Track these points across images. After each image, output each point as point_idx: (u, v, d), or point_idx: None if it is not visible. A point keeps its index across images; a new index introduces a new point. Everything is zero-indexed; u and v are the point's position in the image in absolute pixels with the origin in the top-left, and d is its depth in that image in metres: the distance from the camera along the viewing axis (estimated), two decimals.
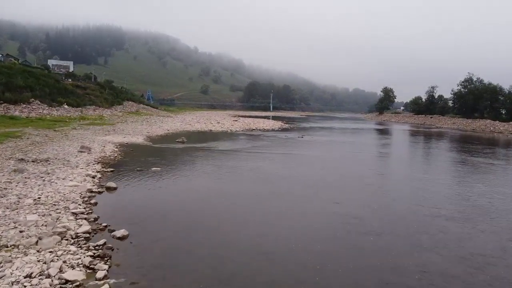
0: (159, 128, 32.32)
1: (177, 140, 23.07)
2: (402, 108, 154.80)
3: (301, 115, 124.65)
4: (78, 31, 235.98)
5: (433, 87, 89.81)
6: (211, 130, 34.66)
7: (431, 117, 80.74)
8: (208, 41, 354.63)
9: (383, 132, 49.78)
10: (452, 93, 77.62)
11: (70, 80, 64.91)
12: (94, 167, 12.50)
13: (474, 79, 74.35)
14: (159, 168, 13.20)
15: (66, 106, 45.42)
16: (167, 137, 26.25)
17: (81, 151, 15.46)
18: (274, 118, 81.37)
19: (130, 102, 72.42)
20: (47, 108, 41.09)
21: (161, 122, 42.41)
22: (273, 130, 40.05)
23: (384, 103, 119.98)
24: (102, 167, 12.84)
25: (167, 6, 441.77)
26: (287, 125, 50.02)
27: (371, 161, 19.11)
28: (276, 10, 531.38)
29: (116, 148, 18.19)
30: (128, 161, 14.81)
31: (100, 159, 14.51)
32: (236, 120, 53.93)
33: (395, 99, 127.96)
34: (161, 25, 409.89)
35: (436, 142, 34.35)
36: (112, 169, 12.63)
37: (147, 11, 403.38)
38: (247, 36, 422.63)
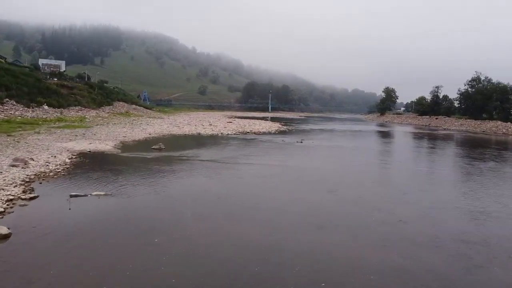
0: (141, 132, 28.75)
1: (153, 147, 19.50)
2: (402, 109, 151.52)
3: (300, 116, 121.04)
4: (75, 31, 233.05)
5: (437, 87, 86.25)
6: (199, 134, 31.08)
7: (436, 118, 77.15)
8: (206, 41, 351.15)
9: (389, 135, 46.26)
10: (459, 93, 74.10)
11: (56, 79, 61.37)
12: (9, 193, 8.90)
13: (482, 78, 70.80)
14: (102, 192, 9.58)
15: (45, 107, 42.07)
16: (145, 142, 22.68)
17: (13, 165, 11.89)
18: (272, 119, 77.90)
19: (121, 102, 69.13)
20: (21, 108, 37.65)
21: (148, 124, 38.84)
22: (269, 133, 36.49)
23: (386, 103, 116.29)
24: (24, 191, 9.25)
25: (166, 6, 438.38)
26: (285, 127, 46.45)
27: (387, 179, 15.32)
28: (275, 10, 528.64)
29: (69, 159, 14.60)
30: (70, 179, 11.23)
31: (33, 177, 10.94)
32: (230, 122, 50.41)
33: (397, 100, 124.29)
34: (159, 25, 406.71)
35: (450, 147, 30.79)
36: (34, 195, 9.02)
37: (145, 11, 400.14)
38: (246, 37, 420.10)
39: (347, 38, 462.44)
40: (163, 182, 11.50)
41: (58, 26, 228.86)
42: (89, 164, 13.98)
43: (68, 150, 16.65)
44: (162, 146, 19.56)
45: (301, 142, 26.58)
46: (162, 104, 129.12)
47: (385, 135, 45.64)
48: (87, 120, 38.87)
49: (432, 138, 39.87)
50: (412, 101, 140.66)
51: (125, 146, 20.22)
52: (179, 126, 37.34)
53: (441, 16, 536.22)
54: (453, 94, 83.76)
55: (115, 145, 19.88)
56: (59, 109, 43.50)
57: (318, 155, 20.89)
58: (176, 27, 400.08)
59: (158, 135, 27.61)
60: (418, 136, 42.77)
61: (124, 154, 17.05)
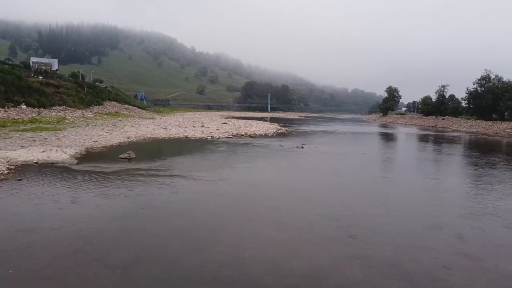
0: (119, 135, 25.18)
1: (120, 156, 15.94)
2: (404, 109, 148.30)
3: (299, 116, 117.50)
4: (72, 30, 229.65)
5: (443, 86, 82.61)
6: (187, 137, 27.53)
7: (443, 119, 73.51)
8: (205, 41, 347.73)
9: (398, 138, 42.65)
10: (467, 92, 70.31)
11: (41, 77, 57.83)
12: None
13: (492, 76, 66.96)
14: None
15: (23, 107, 38.68)
16: (118, 148, 19.11)
17: None
18: (271, 119, 74.56)
19: (112, 102, 65.83)
20: None
21: (133, 125, 35.25)
22: (266, 135, 32.97)
23: (389, 103, 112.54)
24: None
25: (164, 5, 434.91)
26: (284, 128, 42.90)
27: (432, 211, 10.38)
28: (276, 10, 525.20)
29: None
30: None
31: None
32: (225, 123, 46.88)
33: (400, 99, 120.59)
34: (157, 24, 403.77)
35: (474, 153, 27.15)
36: None
37: (143, 10, 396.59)
38: (246, 37, 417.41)
39: (347, 38, 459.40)
40: (91, 222, 7.90)
41: (55, 25, 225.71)
42: (15, 185, 10.43)
43: (7, 161, 13.16)
44: (132, 155, 16.02)
45: (302, 147, 22.99)
46: (160, 104, 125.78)
47: (394, 138, 42.04)
48: (66, 121, 35.33)
49: (446, 141, 36.32)
50: (414, 101, 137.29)
51: (88, 154, 16.65)
52: (166, 128, 33.78)
53: (442, 17, 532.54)
54: (457, 94, 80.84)
55: (75, 153, 16.32)
56: (39, 109, 40.08)
57: (323, 167, 17.24)
58: (175, 26, 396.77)
59: (137, 139, 24.08)
60: (429, 139, 39.19)
61: (78, 167, 13.49)
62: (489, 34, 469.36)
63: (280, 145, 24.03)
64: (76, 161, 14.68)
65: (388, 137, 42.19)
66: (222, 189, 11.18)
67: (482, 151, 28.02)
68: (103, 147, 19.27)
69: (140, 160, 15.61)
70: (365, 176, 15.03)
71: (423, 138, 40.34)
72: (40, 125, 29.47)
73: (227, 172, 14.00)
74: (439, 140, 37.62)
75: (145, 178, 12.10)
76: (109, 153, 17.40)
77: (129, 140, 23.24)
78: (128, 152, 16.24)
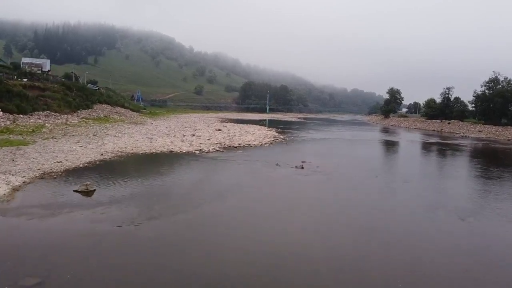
0: (93, 150, 22.00)
1: (76, 189, 12.80)
2: (404, 110, 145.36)
3: (298, 118, 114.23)
4: (68, 29, 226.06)
5: (448, 88, 79.32)
6: (171, 151, 24.33)
7: (448, 123, 70.21)
8: (204, 40, 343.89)
9: (407, 149, 39.42)
10: (475, 95, 67.01)
11: (26, 80, 54.71)
12: None
13: (501, 79, 63.75)
14: None
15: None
16: (83, 172, 15.95)
17: None
18: (269, 122, 71.54)
19: (104, 105, 62.65)
20: None
21: (115, 135, 31.99)
22: (261, 146, 29.95)
23: (391, 105, 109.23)
24: None
25: (164, 5, 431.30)
26: (282, 136, 39.68)
27: None
28: (275, 9, 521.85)
29: None
30: None
31: None
32: (219, 129, 43.69)
33: (402, 101, 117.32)
34: (155, 24, 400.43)
35: (503, 171, 24.00)
36: None
37: (143, 10, 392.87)
38: (245, 36, 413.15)
39: (347, 38, 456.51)
40: None
41: (52, 24, 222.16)
42: None
43: None
44: (91, 187, 12.87)
45: (302, 167, 19.84)
46: (157, 105, 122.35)
47: (403, 149, 38.63)
48: (43, 130, 32.17)
49: (459, 152, 33.26)
50: (415, 102, 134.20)
51: (38, 184, 13.49)
52: (152, 139, 30.55)
53: (442, 17, 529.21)
54: (457, 95, 78.21)
55: (22, 183, 13.14)
56: (17, 116, 36.83)
57: (329, 204, 14.03)
58: (175, 26, 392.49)
59: (113, 156, 20.91)
60: (441, 150, 36.04)
61: (7, 210, 10.34)
62: (489, 34, 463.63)
63: (277, 164, 20.79)
64: (14, 198, 11.54)
65: (396, 148, 39.02)
66: (175, 264, 7.98)
67: (506, 167, 24.90)
68: (65, 170, 16.07)
69: (99, 194, 12.48)
70: (390, 226, 11.90)
71: (434, 149, 37.15)
72: (9, 136, 26.38)
73: (195, 220, 10.76)
74: (451, 150, 34.45)
75: (85, 236, 8.92)
76: (67, 181, 14.22)
77: (102, 157, 20.07)
78: (85, 183, 13.05)
